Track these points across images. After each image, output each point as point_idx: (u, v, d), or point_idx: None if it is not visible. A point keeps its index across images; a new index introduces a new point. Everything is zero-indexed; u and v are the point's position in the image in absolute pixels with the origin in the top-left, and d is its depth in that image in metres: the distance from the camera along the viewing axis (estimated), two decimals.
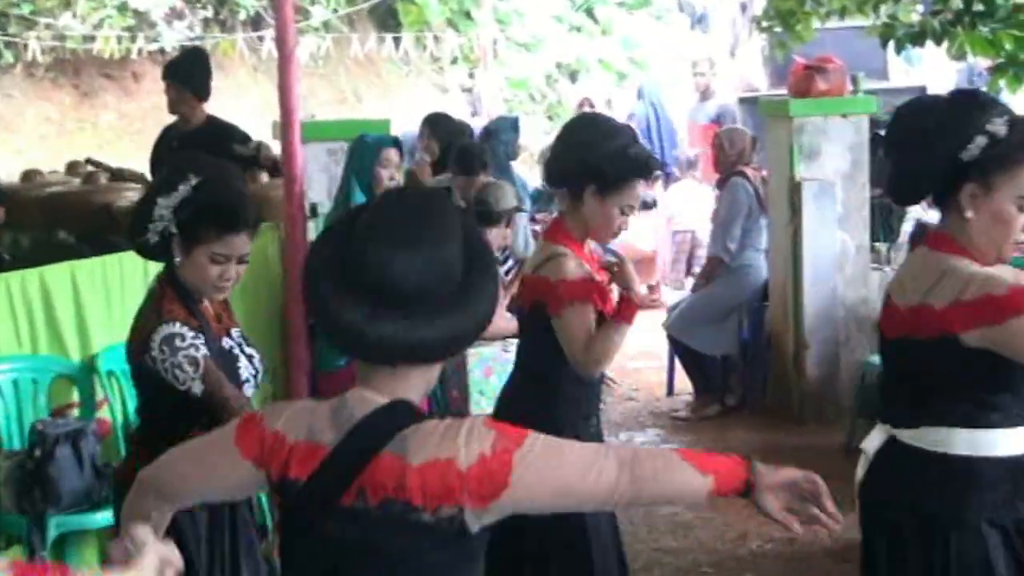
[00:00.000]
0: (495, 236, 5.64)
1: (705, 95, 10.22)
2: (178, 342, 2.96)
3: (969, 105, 2.64)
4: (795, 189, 6.56)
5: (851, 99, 6.73)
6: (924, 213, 6.27)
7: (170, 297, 3.04)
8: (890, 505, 2.71)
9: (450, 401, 5.18)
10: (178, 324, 2.98)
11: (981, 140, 2.58)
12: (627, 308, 3.36)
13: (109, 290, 4.72)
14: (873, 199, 6.66)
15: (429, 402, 4.83)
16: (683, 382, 7.30)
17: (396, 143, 5.36)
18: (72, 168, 6.60)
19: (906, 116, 2.74)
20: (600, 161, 3.37)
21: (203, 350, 2.97)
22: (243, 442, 2.00)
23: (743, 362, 7.03)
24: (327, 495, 1.93)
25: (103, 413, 4.59)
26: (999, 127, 2.59)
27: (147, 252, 3.17)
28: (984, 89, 4.89)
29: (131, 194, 5.77)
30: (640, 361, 8.18)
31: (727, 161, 7.04)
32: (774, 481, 1.98)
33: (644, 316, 9.71)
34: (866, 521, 2.78)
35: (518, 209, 5.89)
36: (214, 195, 3.03)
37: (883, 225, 6.98)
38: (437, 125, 7.40)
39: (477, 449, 1.90)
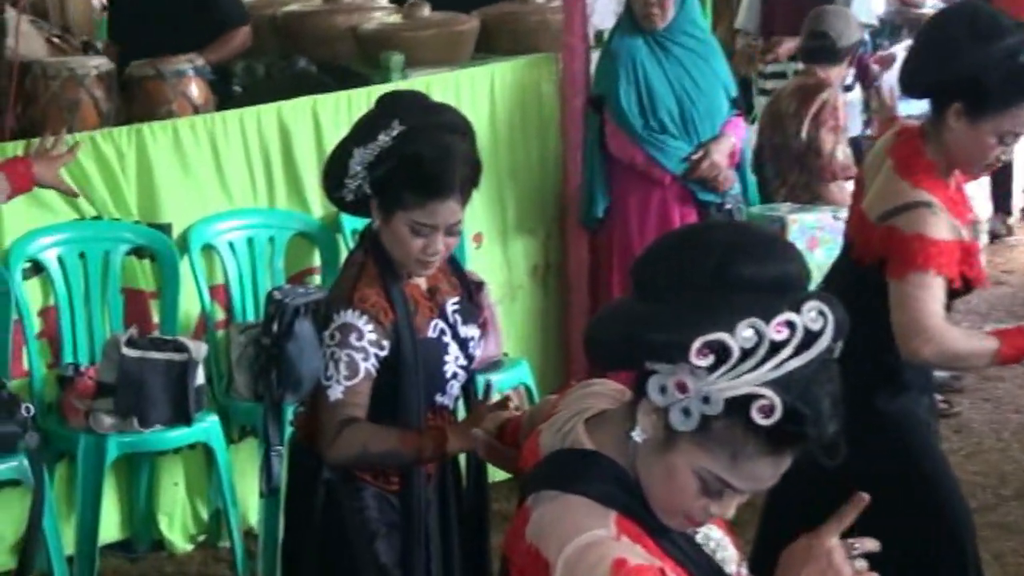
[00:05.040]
0: (835, 75, 5.67)
1: None
2: (353, 338, 2.98)
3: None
4: None
5: None
6: None
7: (369, 274, 3.03)
8: None
9: None
10: (364, 319, 2.98)
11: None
12: (1018, 341, 3.20)
13: None
14: None
15: None
16: None
17: None
18: None
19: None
20: (974, 71, 3.15)
21: (372, 362, 2.98)
22: None
23: None
24: None
25: None
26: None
27: (347, 209, 3.21)
28: None
29: (380, 15, 5.82)
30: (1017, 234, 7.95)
31: None
32: None
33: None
34: None
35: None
36: (416, 150, 2.95)
37: None
38: None
39: None
